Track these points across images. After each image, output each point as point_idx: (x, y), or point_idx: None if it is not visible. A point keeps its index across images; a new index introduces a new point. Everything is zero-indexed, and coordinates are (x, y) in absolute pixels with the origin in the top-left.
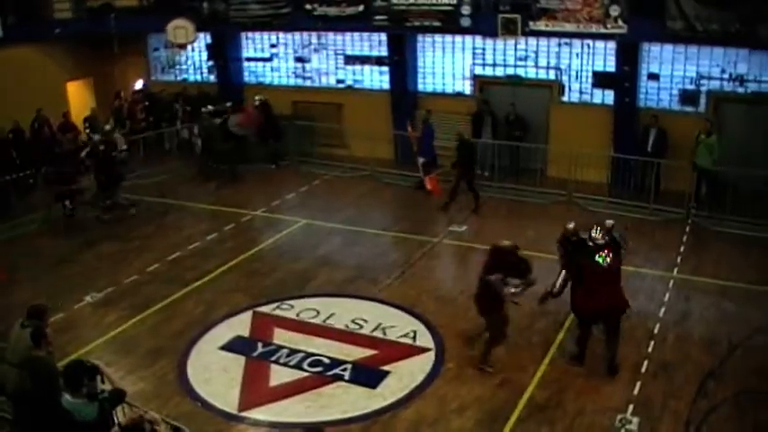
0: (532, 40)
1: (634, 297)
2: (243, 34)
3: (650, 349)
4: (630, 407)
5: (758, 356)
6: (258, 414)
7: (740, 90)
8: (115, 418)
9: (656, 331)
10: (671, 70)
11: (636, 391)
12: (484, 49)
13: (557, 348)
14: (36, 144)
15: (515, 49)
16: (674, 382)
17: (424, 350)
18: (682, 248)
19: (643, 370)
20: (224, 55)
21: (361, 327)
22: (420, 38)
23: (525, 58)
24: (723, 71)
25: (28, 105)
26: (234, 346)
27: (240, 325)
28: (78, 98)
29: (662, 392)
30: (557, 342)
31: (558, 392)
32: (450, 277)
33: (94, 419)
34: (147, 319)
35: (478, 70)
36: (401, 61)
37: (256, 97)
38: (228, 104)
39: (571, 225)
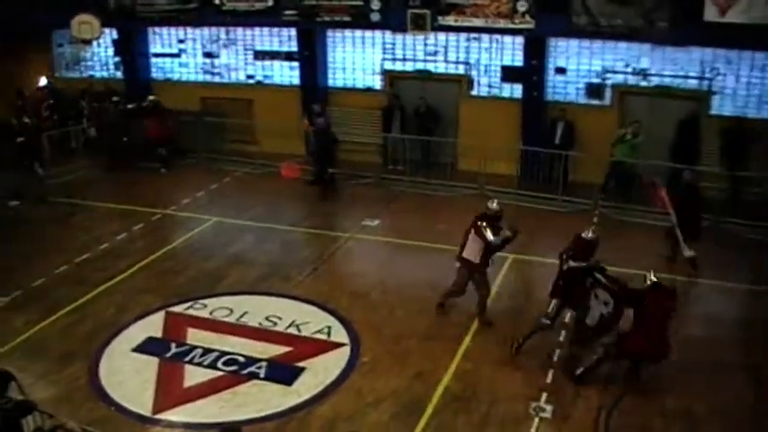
0: (442, 35)
1: (543, 287)
2: (150, 30)
3: (561, 338)
4: (544, 395)
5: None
6: (173, 416)
7: (644, 83)
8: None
9: (566, 320)
10: (577, 64)
11: (548, 379)
12: (394, 44)
13: (471, 340)
14: None
15: (425, 44)
16: None
17: (338, 345)
18: None
19: (555, 358)
20: (131, 51)
21: (275, 324)
22: (330, 33)
23: (435, 53)
24: (627, 65)
25: None
26: (147, 347)
27: (152, 326)
28: None
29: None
30: (470, 333)
31: (473, 383)
32: (363, 272)
33: None
34: (56, 323)
35: (388, 65)
36: (311, 56)
37: (149, 97)
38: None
39: (494, 204)
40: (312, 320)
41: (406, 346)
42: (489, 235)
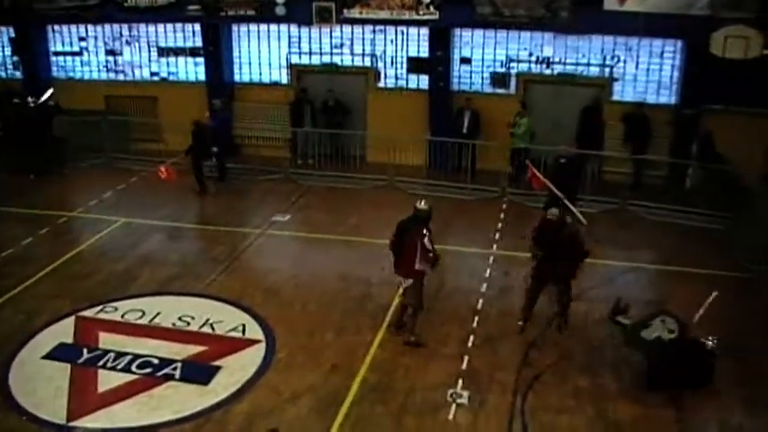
0: (347, 28)
1: (457, 275)
2: (50, 27)
3: (475, 324)
4: (460, 381)
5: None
6: (89, 422)
7: (547, 72)
8: None
9: (479, 307)
10: (482, 54)
11: (464, 366)
12: (300, 38)
13: (385, 330)
14: None
15: (331, 37)
16: (498, 354)
17: (253, 342)
18: (499, 225)
19: (469, 344)
20: (30, 49)
21: (189, 324)
22: (235, 27)
23: (341, 46)
24: (531, 54)
25: None
26: (58, 353)
27: (63, 331)
28: None
29: (489, 365)
30: (384, 325)
31: (390, 373)
32: (276, 268)
33: None
34: None
35: (295, 59)
36: (216, 52)
37: (29, 99)
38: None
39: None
40: (226, 319)
41: (321, 340)
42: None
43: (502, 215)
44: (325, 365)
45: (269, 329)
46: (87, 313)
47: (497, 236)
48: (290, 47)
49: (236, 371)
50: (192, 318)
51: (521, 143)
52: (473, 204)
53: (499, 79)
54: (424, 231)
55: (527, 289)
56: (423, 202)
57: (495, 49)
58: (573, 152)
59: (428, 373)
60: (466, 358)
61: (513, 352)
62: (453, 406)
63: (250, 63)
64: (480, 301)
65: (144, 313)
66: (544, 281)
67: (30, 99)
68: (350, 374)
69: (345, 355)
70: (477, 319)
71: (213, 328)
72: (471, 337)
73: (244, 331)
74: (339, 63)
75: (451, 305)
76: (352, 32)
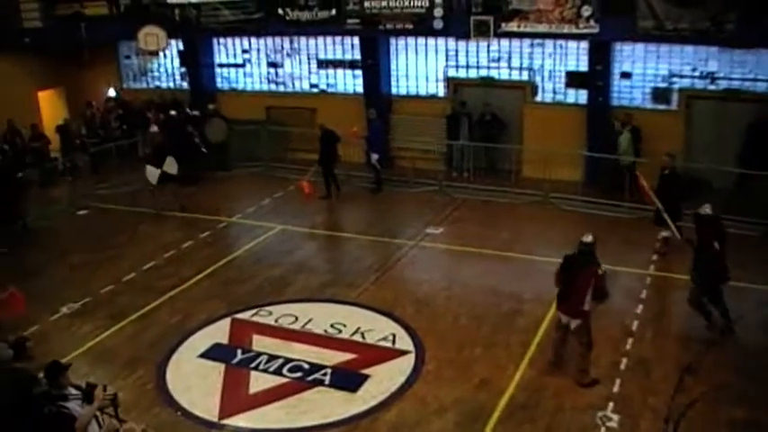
0: (505, 42)
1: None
2: (215, 40)
3: (628, 346)
4: (610, 404)
5: (732, 351)
6: (239, 421)
7: (711, 87)
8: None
9: (633, 329)
10: (643, 69)
11: (615, 389)
12: (457, 51)
13: (536, 348)
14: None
15: (488, 51)
16: (651, 378)
17: (403, 353)
18: (657, 245)
19: (621, 367)
20: (196, 61)
21: (340, 331)
22: (393, 41)
23: (498, 60)
24: (694, 69)
25: None
26: (213, 353)
27: (218, 332)
28: (50, 107)
29: (641, 389)
30: (535, 342)
31: (538, 392)
32: (427, 280)
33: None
34: (124, 329)
35: (452, 72)
36: (374, 64)
37: (209, 106)
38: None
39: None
40: (377, 328)
41: (470, 354)
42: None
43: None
44: (474, 380)
45: (418, 341)
46: (242, 316)
47: (654, 256)
48: (447, 60)
49: (384, 380)
50: (344, 325)
51: (627, 158)
52: (630, 223)
53: (661, 95)
54: (599, 271)
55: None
56: (589, 236)
57: (656, 62)
58: (672, 164)
59: (577, 394)
60: (617, 381)
61: (666, 377)
62: (602, 429)
63: (407, 76)
64: (635, 322)
65: (297, 318)
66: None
67: (187, 110)
68: (498, 391)
69: (494, 370)
70: (630, 341)
71: (364, 337)
72: (624, 360)
73: (394, 341)
74: (496, 77)
75: (604, 326)
76: (510, 46)
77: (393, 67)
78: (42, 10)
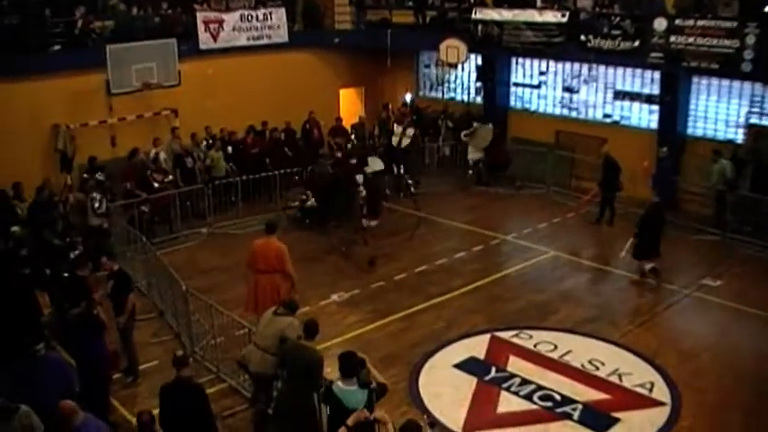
0: None
1: None
2: (513, 59)
3: None
4: None
5: None
6: None
7: None
8: None
9: None
10: None
11: None
12: (763, 97)
13: None
14: (305, 145)
15: None
16: None
17: (659, 404)
18: None
19: None
20: (492, 78)
21: (598, 369)
22: (695, 79)
23: None
24: None
25: (302, 106)
26: (467, 366)
27: (476, 346)
28: (348, 105)
29: None
30: None
31: None
32: (695, 332)
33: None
34: (387, 326)
35: (754, 119)
36: (672, 101)
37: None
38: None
39: None
40: (635, 372)
41: (728, 419)
42: None
43: None
44: None
45: (677, 394)
46: (502, 335)
47: None
48: (751, 105)
49: (634, 427)
50: (602, 363)
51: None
52: None
53: None
54: None
55: None
56: None
57: None
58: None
59: None
60: None
61: None
62: None
63: (706, 117)
64: None
65: (556, 347)
66: None
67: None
68: None
69: None
70: None
71: (621, 379)
72: None
73: (651, 389)
74: None
75: None
76: None
77: (692, 106)
78: (354, 14)
